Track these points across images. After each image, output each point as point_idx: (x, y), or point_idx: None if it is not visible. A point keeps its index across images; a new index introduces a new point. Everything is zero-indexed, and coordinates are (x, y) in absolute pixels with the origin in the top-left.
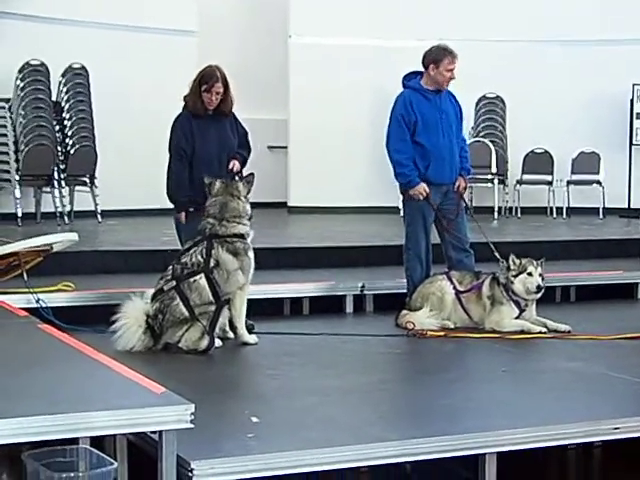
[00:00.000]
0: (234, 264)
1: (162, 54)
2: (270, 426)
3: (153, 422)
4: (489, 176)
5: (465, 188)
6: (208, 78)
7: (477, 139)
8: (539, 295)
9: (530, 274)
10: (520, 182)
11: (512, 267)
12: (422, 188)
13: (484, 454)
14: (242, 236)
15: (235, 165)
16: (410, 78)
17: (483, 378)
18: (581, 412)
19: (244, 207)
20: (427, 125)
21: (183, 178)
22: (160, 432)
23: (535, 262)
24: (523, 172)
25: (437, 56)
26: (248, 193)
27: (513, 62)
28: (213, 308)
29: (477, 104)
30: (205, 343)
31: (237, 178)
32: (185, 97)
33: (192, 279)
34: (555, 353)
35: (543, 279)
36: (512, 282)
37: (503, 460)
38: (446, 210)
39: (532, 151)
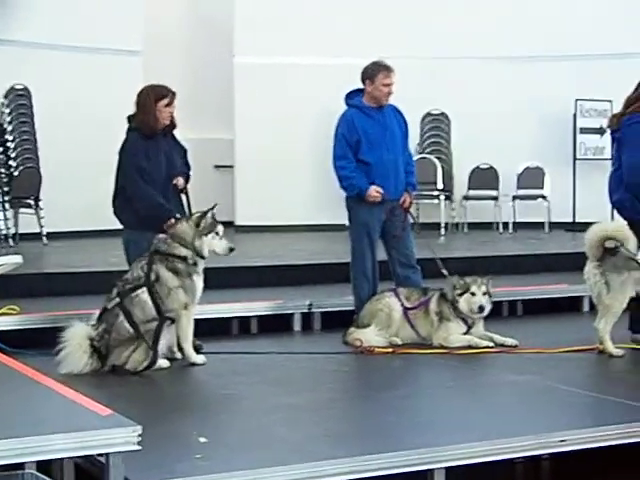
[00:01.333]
0: (174, 281)
1: (107, 74)
2: (220, 446)
3: (100, 444)
4: (435, 192)
5: (411, 204)
6: (166, 92)
7: (423, 155)
8: (484, 314)
9: (473, 294)
10: (466, 198)
11: (457, 286)
12: (374, 190)
13: (433, 469)
14: (184, 258)
15: (179, 181)
16: (352, 96)
17: (431, 394)
18: (528, 425)
19: (194, 236)
20: (371, 142)
21: (154, 195)
22: (107, 455)
23: (480, 280)
24: (469, 188)
25: (372, 72)
26: (204, 229)
27: (458, 79)
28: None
29: (422, 121)
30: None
31: (183, 195)
32: (132, 117)
33: (134, 294)
34: (503, 367)
35: (491, 296)
36: (457, 301)
37: (452, 475)
38: (392, 226)
39: (477, 167)
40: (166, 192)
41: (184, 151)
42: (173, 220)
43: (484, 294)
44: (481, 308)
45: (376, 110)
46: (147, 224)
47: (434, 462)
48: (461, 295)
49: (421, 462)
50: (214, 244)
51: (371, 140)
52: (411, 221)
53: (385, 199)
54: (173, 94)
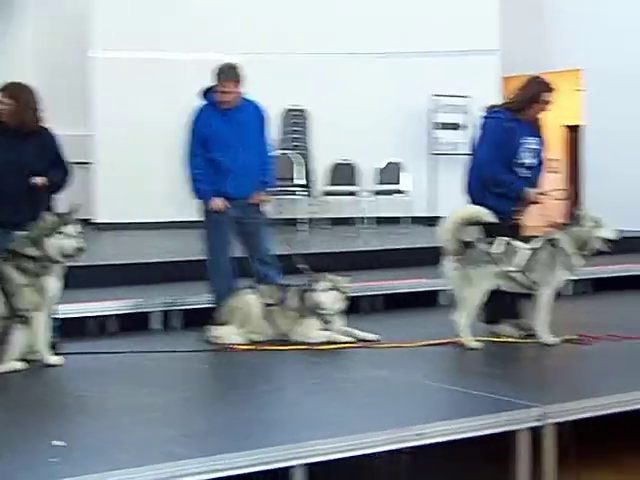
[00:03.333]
0: (21, 280)
1: None
2: (78, 448)
3: None
4: (295, 188)
5: (265, 200)
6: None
7: (282, 152)
8: (327, 311)
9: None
10: (326, 193)
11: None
12: (218, 202)
13: (293, 466)
14: (33, 258)
15: (37, 180)
16: (207, 92)
17: (292, 390)
18: (388, 420)
19: (40, 236)
20: (222, 140)
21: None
22: None
23: (325, 278)
24: (329, 183)
25: (217, 75)
26: (50, 229)
27: (316, 75)
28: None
29: (282, 117)
30: None
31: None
32: None
33: None
34: (363, 362)
35: (344, 293)
36: (304, 298)
37: (314, 472)
38: (247, 224)
39: (337, 162)
40: (15, 190)
41: (52, 148)
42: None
43: (330, 290)
44: (319, 305)
45: (230, 108)
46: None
47: (294, 458)
48: (306, 292)
49: (281, 459)
50: (63, 244)
51: (222, 137)
52: (268, 218)
53: (237, 198)
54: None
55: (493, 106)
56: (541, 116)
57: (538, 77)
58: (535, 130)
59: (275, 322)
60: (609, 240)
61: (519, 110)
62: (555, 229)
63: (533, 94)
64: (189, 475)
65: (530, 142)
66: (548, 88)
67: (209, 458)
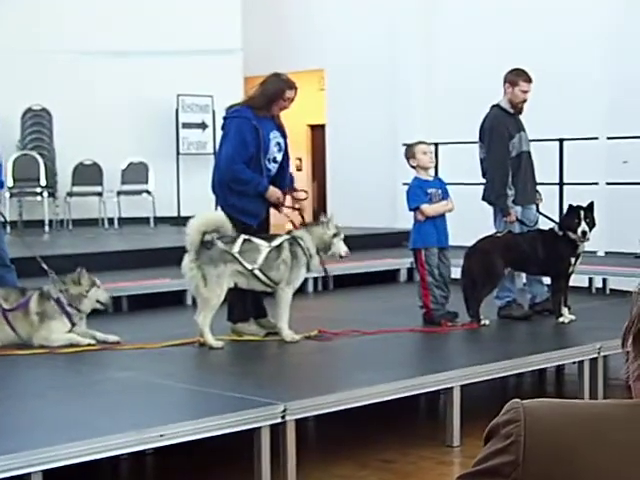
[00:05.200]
0: None
1: None
2: None
3: None
4: (38, 189)
5: None
6: None
7: (24, 152)
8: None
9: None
10: (70, 194)
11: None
12: None
13: (30, 473)
14: None
15: None
16: None
17: (32, 395)
18: (130, 422)
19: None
20: None
21: None
22: None
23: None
24: (73, 184)
25: None
26: None
27: (59, 73)
28: None
29: (23, 117)
30: None
31: None
32: None
33: None
34: (105, 364)
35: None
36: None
37: (53, 477)
38: None
39: (81, 163)
40: None
41: None
42: None
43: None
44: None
45: None
46: None
47: (31, 465)
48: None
49: (17, 466)
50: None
51: None
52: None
53: None
54: None
55: (232, 105)
56: (281, 113)
57: (279, 74)
58: (277, 125)
59: (14, 326)
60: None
61: (261, 107)
62: (297, 228)
63: (275, 91)
64: None
65: (276, 136)
66: (289, 85)
67: None
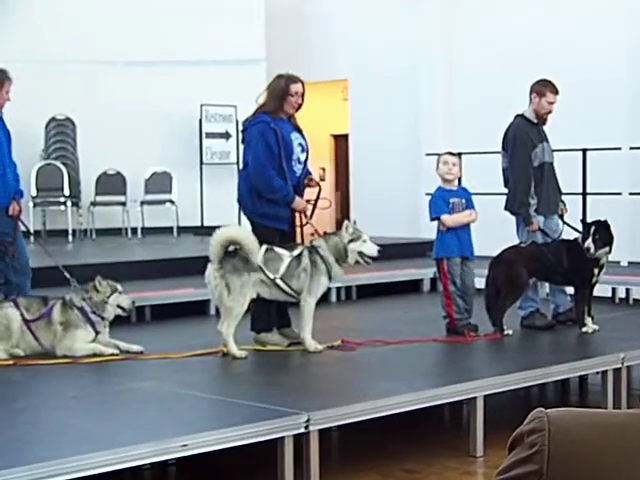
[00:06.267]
0: None
1: None
2: None
3: None
4: (62, 199)
5: (20, 211)
6: None
7: (48, 162)
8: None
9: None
10: (94, 204)
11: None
12: None
13: None
14: None
15: None
16: None
17: (55, 405)
18: (153, 432)
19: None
20: None
21: None
22: None
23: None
24: (96, 194)
25: None
26: None
27: (83, 83)
28: None
29: (47, 126)
30: None
31: None
32: None
33: None
34: (128, 374)
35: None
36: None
37: None
38: (3, 233)
39: (105, 172)
40: None
41: None
42: None
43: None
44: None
45: None
46: None
47: (55, 475)
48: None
49: (40, 476)
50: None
51: None
52: (23, 229)
53: None
54: None
55: (247, 118)
56: (296, 115)
57: (280, 74)
58: (295, 126)
59: (37, 336)
60: (369, 256)
61: (275, 110)
62: (318, 237)
63: (280, 89)
64: None
65: (297, 137)
66: (292, 80)
67: None
